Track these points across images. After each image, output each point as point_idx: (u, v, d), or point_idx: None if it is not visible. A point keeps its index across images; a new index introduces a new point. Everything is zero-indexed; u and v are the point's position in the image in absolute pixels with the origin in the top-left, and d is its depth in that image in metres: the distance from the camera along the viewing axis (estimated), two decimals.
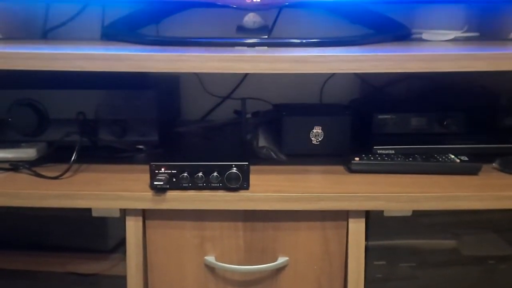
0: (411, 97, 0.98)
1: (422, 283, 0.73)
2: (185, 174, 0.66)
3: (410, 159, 0.74)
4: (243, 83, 1.08)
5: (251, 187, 0.67)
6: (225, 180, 0.66)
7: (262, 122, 0.91)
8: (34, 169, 0.73)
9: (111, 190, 0.67)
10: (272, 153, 0.81)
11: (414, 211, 0.70)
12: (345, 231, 0.69)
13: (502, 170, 0.75)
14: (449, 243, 0.73)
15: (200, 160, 0.67)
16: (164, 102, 0.85)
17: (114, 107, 0.77)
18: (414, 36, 0.92)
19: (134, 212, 0.68)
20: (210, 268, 0.70)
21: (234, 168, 0.66)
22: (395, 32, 0.86)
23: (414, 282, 0.73)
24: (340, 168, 0.77)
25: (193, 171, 0.66)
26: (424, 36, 0.91)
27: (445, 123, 0.80)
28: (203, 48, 0.69)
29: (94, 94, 0.77)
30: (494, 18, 0.96)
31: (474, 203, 0.66)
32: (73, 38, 1.01)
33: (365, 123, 0.82)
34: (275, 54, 0.63)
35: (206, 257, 0.70)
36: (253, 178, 0.70)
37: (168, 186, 0.66)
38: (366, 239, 0.69)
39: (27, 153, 0.76)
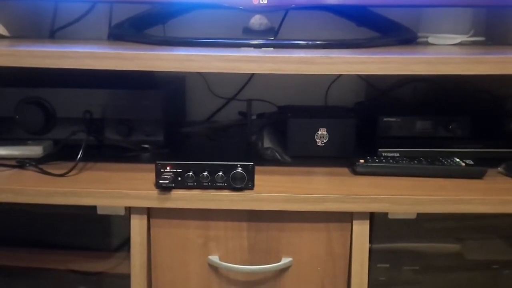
0: (416, 101, 0.98)
1: (426, 287, 0.73)
2: (190, 173, 0.66)
3: (415, 162, 0.74)
4: (249, 84, 1.08)
5: (255, 188, 0.67)
6: (230, 180, 0.66)
7: (267, 124, 0.91)
8: (40, 166, 0.73)
9: (117, 188, 0.67)
10: (277, 155, 0.81)
11: (418, 214, 0.70)
12: (349, 233, 0.69)
13: (507, 175, 0.75)
14: (453, 247, 0.73)
15: (205, 160, 0.67)
16: (170, 103, 0.85)
17: (120, 107, 0.78)
18: (420, 40, 0.92)
19: (139, 210, 0.68)
20: (214, 268, 0.70)
21: (239, 168, 0.66)
22: (401, 35, 0.86)
23: (418, 286, 0.73)
24: (345, 170, 0.77)
25: (198, 170, 0.66)
26: (430, 40, 0.91)
27: (450, 126, 0.80)
28: (209, 49, 0.69)
29: (100, 93, 0.78)
30: (500, 23, 0.96)
31: (479, 207, 0.66)
32: (80, 38, 1.01)
33: (370, 126, 0.82)
34: (282, 55, 0.63)
35: (210, 257, 0.70)
36: (258, 179, 0.70)
37: (173, 185, 0.66)
38: (370, 241, 0.69)
39: (34, 150, 0.77)
